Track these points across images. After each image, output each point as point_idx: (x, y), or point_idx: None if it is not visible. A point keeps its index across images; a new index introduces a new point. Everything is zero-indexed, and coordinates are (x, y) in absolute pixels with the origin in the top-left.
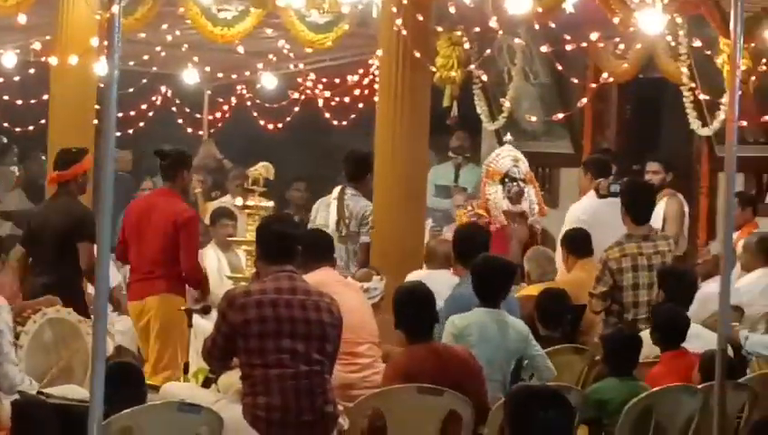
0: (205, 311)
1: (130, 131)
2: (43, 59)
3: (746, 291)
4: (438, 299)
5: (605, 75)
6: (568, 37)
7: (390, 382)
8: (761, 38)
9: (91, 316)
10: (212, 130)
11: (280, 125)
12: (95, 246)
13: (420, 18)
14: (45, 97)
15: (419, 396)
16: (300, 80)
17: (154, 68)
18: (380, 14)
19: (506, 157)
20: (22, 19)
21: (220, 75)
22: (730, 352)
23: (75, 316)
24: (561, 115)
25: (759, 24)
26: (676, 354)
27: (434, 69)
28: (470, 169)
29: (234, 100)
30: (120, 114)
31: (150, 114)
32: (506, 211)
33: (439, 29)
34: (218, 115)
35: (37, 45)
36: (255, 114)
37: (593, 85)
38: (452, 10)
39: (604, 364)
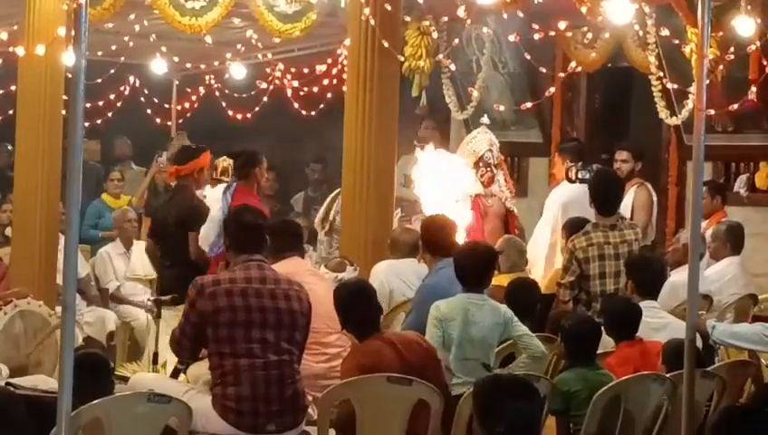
0: (174, 302)
1: (99, 121)
2: (10, 49)
3: (715, 280)
4: (406, 288)
5: (573, 65)
6: (536, 26)
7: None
8: (728, 27)
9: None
10: (180, 121)
11: (249, 115)
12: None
13: (389, 8)
14: (13, 88)
15: (389, 385)
16: (268, 70)
17: (122, 58)
18: (349, 4)
19: (482, 140)
20: None
21: (188, 65)
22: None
23: (46, 309)
24: (530, 104)
25: (726, 14)
26: (630, 343)
27: (402, 58)
28: None
29: (202, 90)
30: (89, 104)
31: (119, 104)
32: (478, 194)
33: (408, 18)
34: (187, 105)
35: (4, 35)
36: (224, 104)
37: (562, 75)
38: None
39: (565, 357)
